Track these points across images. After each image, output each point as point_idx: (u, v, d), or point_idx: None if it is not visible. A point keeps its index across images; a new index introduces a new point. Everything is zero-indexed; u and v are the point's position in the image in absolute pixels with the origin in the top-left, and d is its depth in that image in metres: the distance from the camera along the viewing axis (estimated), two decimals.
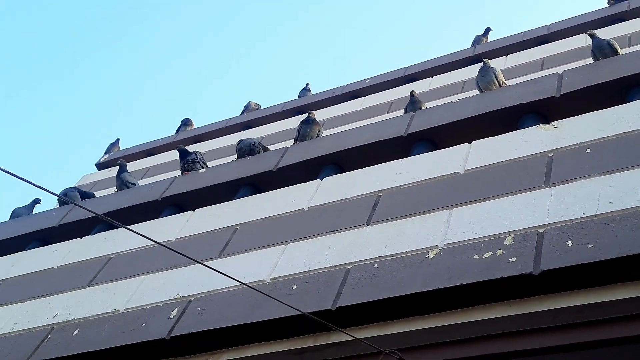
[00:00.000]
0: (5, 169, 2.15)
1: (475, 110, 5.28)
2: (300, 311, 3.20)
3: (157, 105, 29.40)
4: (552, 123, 4.44)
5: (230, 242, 4.76)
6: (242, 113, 10.87)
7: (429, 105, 6.56)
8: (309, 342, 3.69)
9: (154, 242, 4.89)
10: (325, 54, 30.75)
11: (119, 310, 4.41)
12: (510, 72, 7.23)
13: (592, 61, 5.79)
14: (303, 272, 4.04)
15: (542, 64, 7.46)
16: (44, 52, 28.09)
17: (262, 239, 4.60)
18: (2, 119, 26.94)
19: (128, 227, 2.79)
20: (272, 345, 3.80)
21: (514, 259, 3.36)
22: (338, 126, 7.88)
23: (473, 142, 4.62)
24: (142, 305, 4.37)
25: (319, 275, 3.95)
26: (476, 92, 6.53)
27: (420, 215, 4.08)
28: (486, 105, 5.31)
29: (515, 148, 4.32)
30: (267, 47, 29.97)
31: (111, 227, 5.93)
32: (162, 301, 4.32)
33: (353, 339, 3.56)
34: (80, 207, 2.61)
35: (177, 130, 10.94)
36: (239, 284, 4.13)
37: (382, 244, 3.96)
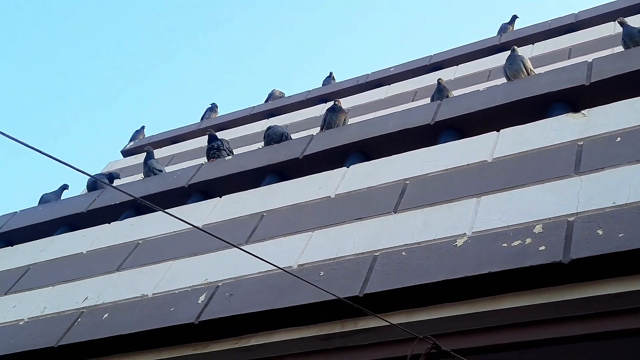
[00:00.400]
0: (44, 151, 2.17)
1: (503, 99, 5.25)
2: (336, 296, 3.22)
3: (181, 93, 29.54)
4: (582, 112, 4.40)
5: (257, 228, 4.79)
6: (267, 101, 10.90)
7: (455, 93, 6.53)
8: (336, 328, 3.71)
9: (182, 228, 4.99)
10: (349, 42, 30.69)
11: (147, 295, 4.46)
12: (537, 61, 7.16)
13: (622, 49, 5.73)
14: (330, 259, 4.06)
15: (570, 52, 7.40)
16: (64, 41, 28.31)
17: (289, 226, 4.62)
18: (27, 107, 27.21)
19: (166, 210, 2.81)
20: (299, 331, 3.81)
21: (543, 248, 3.34)
22: (362, 114, 7.87)
23: (501, 130, 4.59)
24: (170, 291, 4.41)
25: (346, 262, 3.97)
26: (503, 80, 6.48)
27: (448, 203, 4.07)
28: (514, 93, 5.28)
29: (544, 137, 4.29)
30: (290, 36, 29.97)
31: (139, 212, 6.00)
32: (190, 286, 4.36)
33: (380, 325, 3.58)
34: (119, 190, 2.63)
35: (203, 116, 11.00)
36: (266, 270, 4.20)
37: (410, 232, 3.96)
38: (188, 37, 29.84)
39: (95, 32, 28.73)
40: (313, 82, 22.19)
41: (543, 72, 5.74)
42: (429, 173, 4.49)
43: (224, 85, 29.43)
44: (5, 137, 2.03)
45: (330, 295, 3.69)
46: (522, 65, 5.67)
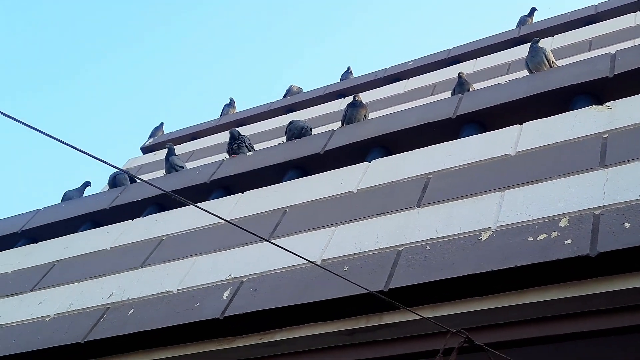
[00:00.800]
0: (74, 145, 2.18)
1: (526, 92, 5.22)
2: (366, 289, 3.23)
3: (198, 88, 29.63)
4: (606, 104, 4.37)
5: (279, 224, 4.80)
6: (285, 96, 10.93)
7: (474, 87, 6.51)
8: (360, 322, 3.71)
9: (205, 224, 5.02)
10: (366, 37, 30.62)
11: (172, 291, 4.49)
12: (557, 53, 7.11)
13: None
14: (354, 254, 4.06)
15: (590, 44, 7.34)
16: (82, 37, 28.46)
17: (312, 221, 4.63)
18: (43, 106, 27.40)
19: (197, 204, 2.83)
20: (323, 326, 3.82)
21: (569, 241, 3.33)
22: (381, 109, 7.86)
23: (524, 123, 4.57)
24: (194, 286, 4.43)
25: (370, 257, 3.97)
26: (523, 73, 6.46)
27: (472, 197, 4.06)
28: (537, 86, 5.25)
29: (568, 129, 4.27)
30: (308, 31, 29.94)
31: (162, 209, 6.04)
32: (214, 282, 4.38)
33: (405, 320, 3.59)
34: (150, 184, 2.65)
35: (221, 113, 11.04)
36: (290, 265, 4.22)
37: (433, 226, 3.96)
38: (203, 32, 29.91)
39: (109, 30, 28.87)
40: (330, 78, 22.22)
41: (566, 64, 5.72)
42: (452, 167, 4.48)
43: (241, 81, 29.49)
44: (31, 130, 2.04)
45: (354, 289, 3.71)
46: (544, 57, 5.64)
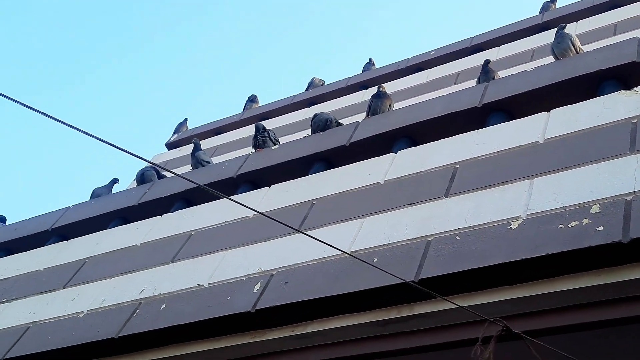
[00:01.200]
0: (104, 139, 2.21)
1: (552, 78, 5.18)
2: (403, 280, 3.25)
3: (220, 84, 29.72)
4: (635, 89, 4.32)
5: (307, 216, 4.82)
6: (307, 89, 10.93)
7: (499, 75, 6.46)
8: (392, 313, 3.72)
9: (234, 218, 5.04)
10: (387, 28, 30.51)
11: (203, 285, 4.53)
12: (581, 38, 7.04)
13: None
14: (383, 245, 4.06)
15: (615, 28, 7.25)
16: (105, 34, 28.67)
17: (339, 213, 4.64)
18: (65, 103, 27.66)
19: (230, 197, 2.86)
20: (355, 317, 3.83)
21: (601, 228, 3.31)
22: (404, 99, 7.83)
23: (551, 110, 4.54)
24: (225, 280, 4.47)
25: (399, 248, 3.97)
26: (547, 60, 6.41)
27: (500, 186, 4.05)
28: (563, 72, 5.21)
29: (596, 115, 4.24)
30: (328, 23, 29.90)
31: (190, 204, 6.09)
32: (244, 275, 4.41)
33: (436, 310, 3.60)
34: (185, 178, 2.68)
35: (244, 107, 11.07)
36: (320, 257, 4.23)
37: (462, 216, 3.95)
38: (224, 29, 29.98)
39: (129, 29, 29.04)
40: (351, 70, 22.17)
41: (592, 49, 5.66)
42: (479, 156, 4.46)
43: (263, 76, 29.54)
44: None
45: (385, 280, 3.73)
46: (570, 43, 5.59)
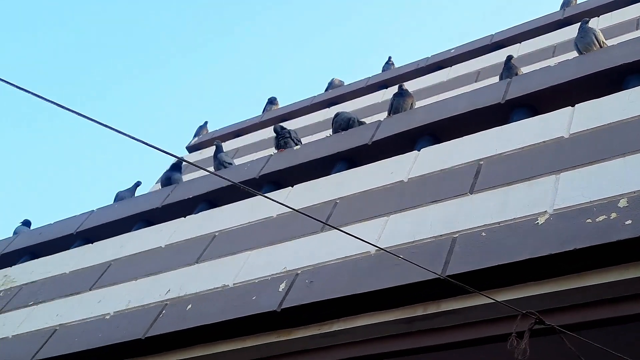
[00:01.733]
0: (135, 137, 2.22)
1: (576, 73, 5.14)
2: (439, 275, 3.24)
3: (240, 87, 29.83)
4: None
5: (331, 216, 4.81)
6: (326, 90, 10.93)
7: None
8: (418, 311, 3.70)
9: (258, 219, 5.04)
10: (404, 25, 30.46)
11: (228, 285, 4.54)
12: (604, 33, 6.99)
13: None
14: (408, 243, 4.05)
15: (638, 22, 7.18)
16: (124, 49, 28.88)
17: (363, 212, 4.63)
18: (85, 109, 27.85)
19: (265, 195, 2.86)
20: (381, 315, 3.82)
21: (629, 222, 3.27)
22: (425, 98, 7.81)
23: (576, 105, 4.50)
24: (250, 280, 4.48)
25: (425, 245, 3.96)
26: (569, 55, 6.36)
27: (526, 181, 4.02)
28: (588, 67, 5.16)
29: (622, 109, 4.19)
30: (345, 26, 29.91)
31: (213, 205, 6.11)
32: (269, 275, 4.41)
33: (463, 307, 3.58)
34: (219, 176, 2.70)
35: (264, 110, 11.09)
36: (345, 256, 4.23)
37: (488, 212, 3.93)
38: (243, 30, 30.09)
39: (148, 32, 29.24)
40: (370, 71, 22.13)
41: (616, 43, 5.60)
42: (504, 152, 4.43)
43: (281, 79, 29.60)
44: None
45: (411, 277, 3.72)
46: (594, 37, 5.54)
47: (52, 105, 2.00)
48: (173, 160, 8.17)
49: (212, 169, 7.52)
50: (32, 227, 8.10)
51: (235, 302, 4.32)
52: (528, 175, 4.05)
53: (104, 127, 2.16)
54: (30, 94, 1.96)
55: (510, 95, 5.34)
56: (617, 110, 4.23)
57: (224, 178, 2.84)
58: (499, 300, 3.45)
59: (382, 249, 3.41)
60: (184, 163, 8.41)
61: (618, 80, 4.90)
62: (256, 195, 2.89)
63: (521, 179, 4.05)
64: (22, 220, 8.56)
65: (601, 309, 3.19)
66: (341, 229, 3.18)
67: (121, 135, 2.27)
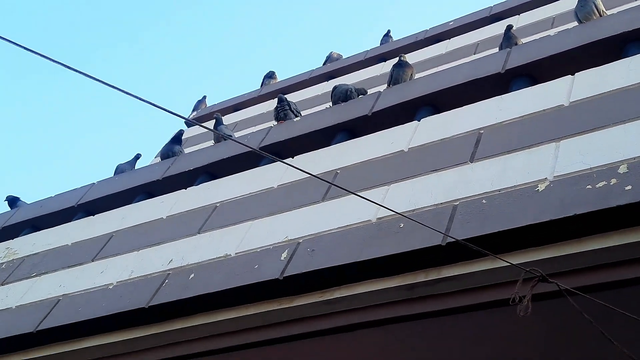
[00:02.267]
0: (141, 97, 2.22)
1: (576, 42, 5.14)
2: (454, 238, 3.27)
3: (237, 62, 29.70)
4: None
5: (332, 186, 4.83)
6: (325, 64, 10.91)
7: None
8: (419, 277, 3.73)
9: (258, 189, 5.06)
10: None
11: (230, 255, 4.57)
12: (604, 3, 6.97)
13: None
14: (409, 211, 4.06)
15: None
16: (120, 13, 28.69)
17: (364, 182, 4.65)
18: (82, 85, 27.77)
19: (284, 161, 2.88)
20: (382, 282, 3.85)
21: (629, 187, 3.30)
22: (424, 70, 7.80)
23: (576, 74, 4.52)
24: (252, 249, 4.51)
25: (426, 213, 3.98)
26: (567, 27, 6.35)
27: (526, 149, 4.04)
28: (587, 35, 5.16)
29: (622, 77, 4.21)
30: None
31: (213, 177, 6.13)
32: (271, 244, 4.44)
33: (464, 273, 3.62)
34: (238, 142, 2.72)
35: (262, 83, 11.07)
36: (346, 225, 4.26)
37: (488, 180, 3.95)
38: (235, 4, 29.89)
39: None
40: (368, 44, 22.02)
41: (616, 12, 5.60)
42: (504, 121, 4.44)
43: (278, 53, 29.46)
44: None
45: (411, 245, 3.76)
46: (593, 6, 5.54)
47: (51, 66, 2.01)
48: (173, 133, 8.19)
49: (210, 143, 7.55)
50: (19, 203, 7.98)
51: (238, 270, 4.36)
52: (528, 143, 4.07)
53: (105, 86, 2.16)
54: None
55: (510, 64, 5.34)
56: (617, 78, 4.24)
57: (242, 143, 2.90)
58: (499, 266, 3.52)
59: (387, 208, 3.43)
60: (183, 136, 8.43)
61: (618, 49, 4.90)
62: (282, 160, 2.89)
63: (521, 147, 4.07)
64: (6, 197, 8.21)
65: (601, 273, 3.23)
66: (347, 191, 3.20)
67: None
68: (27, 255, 6.07)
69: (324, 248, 4.16)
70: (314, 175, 2.96)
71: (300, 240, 4.33)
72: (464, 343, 3.88)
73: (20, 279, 5.71)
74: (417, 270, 3.75)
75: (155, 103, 2.08)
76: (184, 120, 10.87)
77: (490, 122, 4.51)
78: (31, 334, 4.84)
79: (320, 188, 4.84)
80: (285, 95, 9.43)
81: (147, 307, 4.47)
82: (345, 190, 3.12)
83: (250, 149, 2.86)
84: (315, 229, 4.36)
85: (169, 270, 4.75)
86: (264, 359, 4.29)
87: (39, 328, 4.83)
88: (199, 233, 5.07)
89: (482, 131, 4.47)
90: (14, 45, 1.89)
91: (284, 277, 4.09)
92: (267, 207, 4.91)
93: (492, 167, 4.05)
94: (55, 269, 5.59)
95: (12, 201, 8.05)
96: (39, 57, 1.96)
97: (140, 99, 2.08)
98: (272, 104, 8.29)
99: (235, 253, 4.57)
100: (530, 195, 3.64)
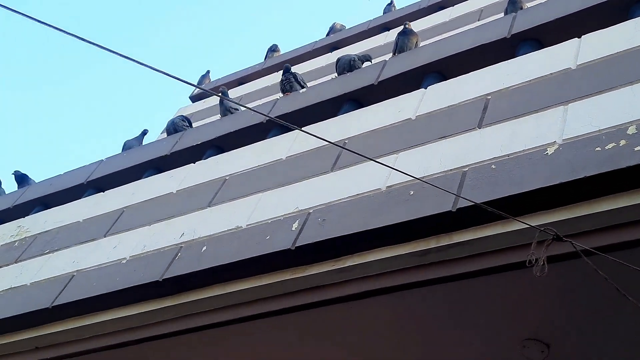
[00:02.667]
0: (149, 65, 2.23)
1: (582, 4, 5.11)
2: (474, 202, 3.28)
3: (240, 36, 29.53)
4: None
5: (340, 156, 4.83)
6: (328, 35, 10.86)
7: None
8: (431, 243, 3.75)
9: (266, 162, 5.08)
10: None
11: (241, 226, 4.60)
12: None
13: None
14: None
15: None
16: None
17: (373, 151, 4.64)
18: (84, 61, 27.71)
19: (302, 129, 2.89)
20: (394, 249, 3.87)
21: (639, 148, 3.31)
22: (428, 39, 7.76)
23: (583, 36, 4.50)
24: (263, 221, 4.53)
25: (435, 180, 3.97)
26: None
27: (534, 114, 4.04)
28: None
29: (629, 38, 4.19)
30: None
31: (221, 151, 6.14)
32: (282, 215, 4.47)
33: (475, 238, 3.64)
34: (253, 110, 2.73)
35: (265, 56, 11.05)
36: (356, 194, 4.28)
37: (497, 145, 3.96)
38: None
39: None
40: (370, 14, 21.86)
41: None
42: (511, 86, 4.44)
43: (280, 27, 29.28)
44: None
45: (422, 211, 3.77)
46: None
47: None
48: (178, 107, 8.21)
49: (216, 117, 7.55)
50: (30, 181, 8.00)
51: (249, 242, 4.39)
52: (536, 107, 4.07)
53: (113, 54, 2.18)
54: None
55: (516, 29, 5.32)
56: (624, 39, 4.22)
57: (256, 111, 2.94)
58: (510, 228, 3.54)
59: (400, 171, 3.45)
60: (188, 112, 8.45)
61: (624, 9, 4.87)
62: (301, 129, 2.89)
63: (529, 112, 4.07)
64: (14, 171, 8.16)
65: (612, 234, 3.25)
66: (361, 156, 3.20)
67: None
68: (39, 233, 6.11)
69: (334, 217, 4.18)
70: (329, 142, 2.94)
71: (311, 211, 4.35)
72: (477, 307, 3.92)
73: (34, 256, 5.77)
74: (428, 237, 3.77)
75: (166, 71, 2.08)
76: (191, 91, 10.94)
77: (497, 88, 4.50)
78: (47, 310, 4.90)
79: (329, 158, 4.86)
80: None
81: (161, 280, 4.51)
82: (360, 155, 3.12)
83: (265, 117, 2.87)
84: (325, 199, 4.37)
85: (181, 243, 4.78)
86: (278, 328, 4.34)
87: (55, 303, 4.89)
88: (209, 206, 5.10)
89: (489, 97, 4.46)
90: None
91: (295, 247, 4.11)
92: (276, 179, 4.93)
93: (501, 132, 4.05)
94: (68, 246, 5.64)
95: (20, 177, 8.04)
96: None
97: (151, 67, 2.09)
98: (277, 76, 8.29)
99: (247, 225, 4.60)
100: (539, 159, 3.65)
